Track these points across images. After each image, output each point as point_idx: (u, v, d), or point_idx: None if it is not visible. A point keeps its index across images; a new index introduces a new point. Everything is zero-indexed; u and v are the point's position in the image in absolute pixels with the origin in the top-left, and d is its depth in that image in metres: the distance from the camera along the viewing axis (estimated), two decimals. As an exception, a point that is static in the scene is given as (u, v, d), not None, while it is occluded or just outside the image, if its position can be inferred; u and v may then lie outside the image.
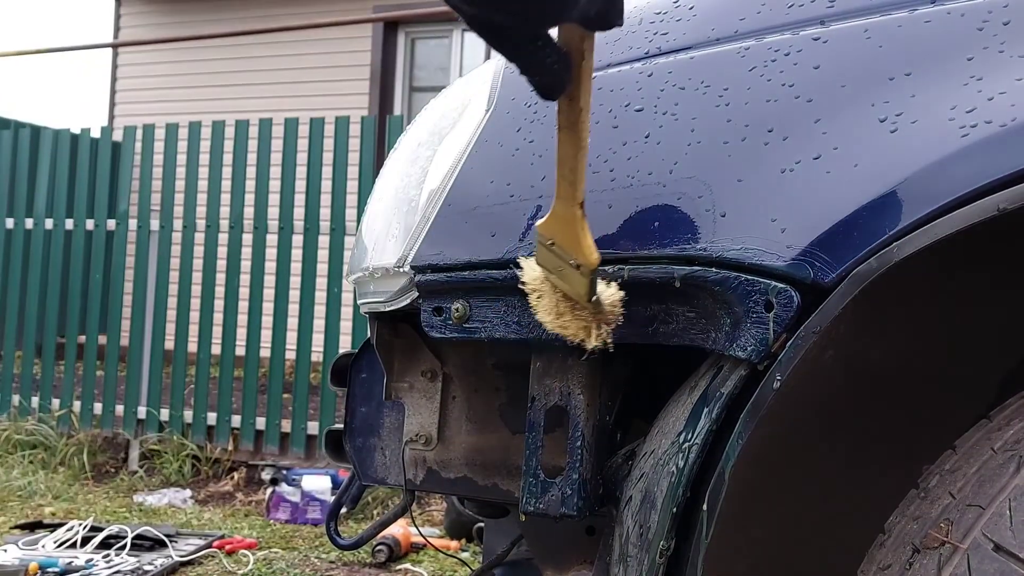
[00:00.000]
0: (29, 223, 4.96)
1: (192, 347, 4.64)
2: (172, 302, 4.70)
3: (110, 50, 8.32)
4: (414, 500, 1.24)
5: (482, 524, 1.42)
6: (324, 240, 4.45)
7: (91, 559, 3.01)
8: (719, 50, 0.83)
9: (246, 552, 3.24)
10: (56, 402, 4.81)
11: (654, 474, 0.79)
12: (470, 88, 1.03)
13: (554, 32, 0.64)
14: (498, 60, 1.02)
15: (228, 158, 4.62)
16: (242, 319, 4.54)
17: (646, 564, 0.77)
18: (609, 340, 0.80)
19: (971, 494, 0.67)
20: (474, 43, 7.41)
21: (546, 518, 0.90)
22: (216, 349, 4.62)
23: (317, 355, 4.52)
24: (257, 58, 7.56)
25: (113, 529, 3.25)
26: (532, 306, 0.82)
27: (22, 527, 3.45)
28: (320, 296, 4.41)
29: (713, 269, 0.74)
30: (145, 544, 3.20)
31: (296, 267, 4.49)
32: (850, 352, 0.69)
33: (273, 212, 4.52)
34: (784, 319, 0.68)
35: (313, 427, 4.35)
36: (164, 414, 4.60)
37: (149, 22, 8.23)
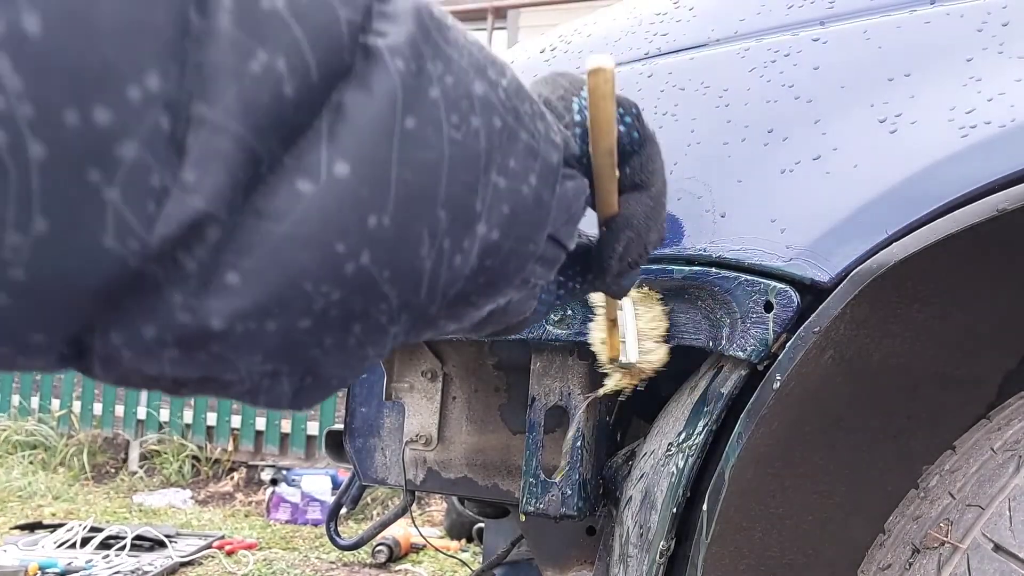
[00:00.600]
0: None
1: (192, 347, 4.64)
2: (172, 302, 4.70)
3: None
4: (414, 500, 1.24)
5: (482, 524, 1.42)
6: (324, 240, 4.45)
7: (91, 560, 3.01)
8: (719, 51, 0.83)
9: (246, 552, 3.24)
10: (56, 402, 4.81)
11: (654, 474, 0.79)
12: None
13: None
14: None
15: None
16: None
17: (646, 564, 0.77)
18: (628, 387, 0.82)
19: (971, 494, 0.67)
20: (474, 43, 7.41)
21: (546, 518, 0.90)
22: (216, 349, 4.62)
23: (317, 355, 4.52)
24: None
25: (113, 530, 3.25)
26: (593, 319, 0.84)
27: (22, 527, 3.45)
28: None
29: (713, 269, 0.74)
30: (145, 545, 3.20)
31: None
32: (850, 352, 0.69)
33: (273, 212, 4.52)
34: (784, 319, 0.68)
35: (313, 427, 4.35)
36: (164, 414, 4.61)
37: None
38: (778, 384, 0.67)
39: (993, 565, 0.62)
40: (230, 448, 4.46)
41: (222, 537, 3.40)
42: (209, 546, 3.28)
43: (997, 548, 0.62)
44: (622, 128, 0.48)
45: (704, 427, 0.73)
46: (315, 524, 3.76)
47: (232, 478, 4.36)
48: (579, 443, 0.89)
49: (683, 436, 0.76)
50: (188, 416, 4.55)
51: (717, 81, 0.81)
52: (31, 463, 4.47)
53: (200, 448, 4.49)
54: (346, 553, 3.25)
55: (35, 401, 4.82)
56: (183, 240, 0.28)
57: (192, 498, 4.18)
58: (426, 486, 1.14)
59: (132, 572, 2.93)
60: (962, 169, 0.65)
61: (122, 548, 3.14)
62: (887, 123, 0.70)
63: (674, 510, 0.74)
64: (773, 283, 0.70)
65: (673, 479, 0.75)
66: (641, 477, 0.83)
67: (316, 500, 3.82)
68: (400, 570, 3.16)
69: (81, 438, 4.61)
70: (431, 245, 0.35)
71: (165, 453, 4.47)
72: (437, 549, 3.26)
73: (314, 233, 0.30)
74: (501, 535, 1.38)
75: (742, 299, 0.72)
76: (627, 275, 0.51)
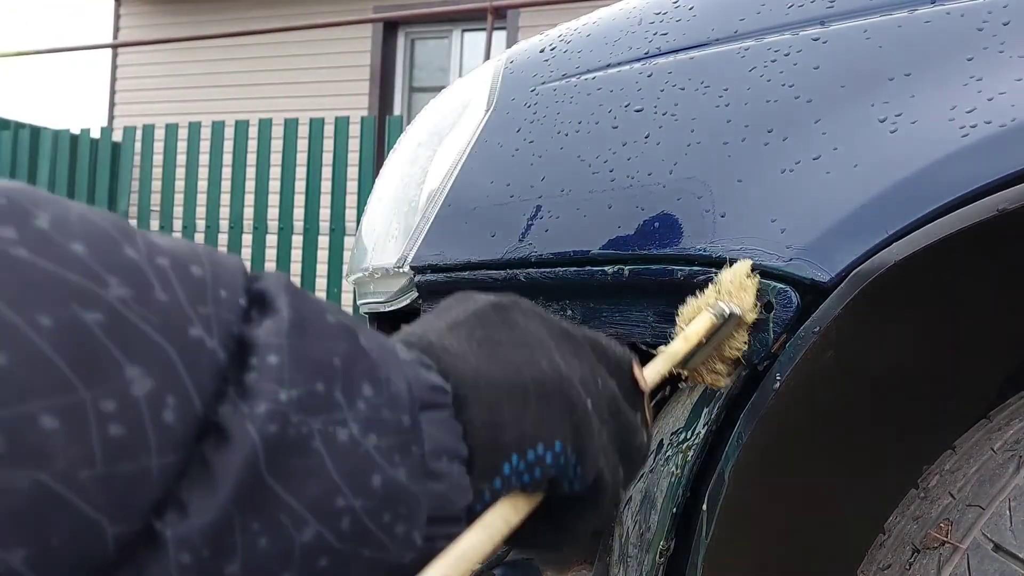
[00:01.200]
0: (29, 223, 4.96)
1: (192, 347, 4.64)
2: (172, 302, 4.70)
3: (109, 50, 8.32)
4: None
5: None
6: (324, 240, 4.45)
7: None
8: (719, 50, 0.83)
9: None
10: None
11: (654, 474, 0.79)
12: (470, 88, 1.03)
13: None
14: (498, 60, 1.02)
15: (228, 158, 4.63)
16: (242, 319, 4.54)
17: (646, 564, 0.77)
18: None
19: (971, 494, 0.67)
20: (474, 43, 7.42)
21: (546, 518, 0.90)
22: (216, 349, 4.62)
23: (317, 355, 4.52)
24: (257, 58, 7.56)
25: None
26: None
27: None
28: (320, 296, 4.41)
29: (713, 269, 0.74)
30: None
31: (296, 267, 4.49)
32: (850, 352, 0.69)
33: (273, 212, 4.52)
34: (784, 319, 0.68)
35: (313, 427, 4.35)
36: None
37: (149, 22, 8.23)
38: (778, 384, 0.66)
39: (993, 565, 0.62)
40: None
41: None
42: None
43: (997, 548, 0.62)
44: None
45: (704, 427, 0.73)
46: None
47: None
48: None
49: (683, 436, 0.76)
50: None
51: (717, 81, 0.81)
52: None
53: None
54: (346, 553, 3.25)
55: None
56: None
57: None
58: (426, 486, 1.14)
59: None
60: (962, 169, 0.65)
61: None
62: (887, 122, 0.70)
63: (674, 510, 0.74)
64: (773, 283, 0.70)
65: (673, 479, 0.75)
66: (641, 477, 0.83)
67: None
68: (400, 570, 3.16)
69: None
70: None
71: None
72: (437, 549, 3.26)
73: None
74: (501, 535, 1.37)
75: (742, 299, 0.72)
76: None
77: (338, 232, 4.37)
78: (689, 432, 0.76)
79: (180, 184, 4.68)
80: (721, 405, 0.73)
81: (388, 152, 1.14)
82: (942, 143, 0.67)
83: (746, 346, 0.69)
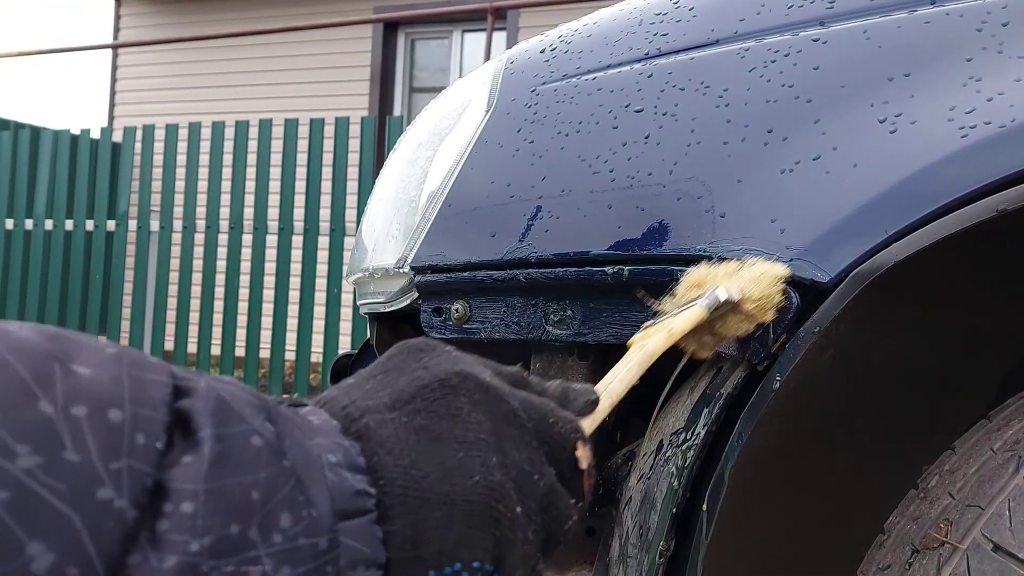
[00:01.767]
0: (29, 224, 4.96)
1: (192, 348, 4.64)
2: (172, 303, 4.70)
3: (110, 51, 8.32)
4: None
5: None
6: (324, 241, 4.45)
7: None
8: (719, 51, 0.83)
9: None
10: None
11: (654, 474, 0.79)
12: (470, 89, 1.04)
13: None
14: (498, 60, 1.02)
15: (228, 159, 4.63)
16: (242, 320, 4.54)
17: (646, 564, 0.77)
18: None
19: (970, 494, 0.67)
20: (474, 44, 7.42)
21: (546, 518, 0.90)
22: (216, 350, 4.62)
23: (317, 356, 4.52)
24: (257, 59, 7.56)
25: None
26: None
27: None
28: (320, 297, 4.41)
29: (713, 270, 0.74)
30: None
31: (296, 268, 4.49)
32: (850, 352, 0.69)
33: (273, 213, 4.52)
34: (784, 319, 0.68)
35: (313, 428, 4.35)
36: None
37: (149, 23, 8.24)
38: (778, 384, 0.66)
39: (993, 565, 0.62)
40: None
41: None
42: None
43: (997, 548, 0.62)
44: None
45: (704, 427, 0.73)
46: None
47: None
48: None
49: (683, 436, 0.76)
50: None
51: (717, 81, 0.81)
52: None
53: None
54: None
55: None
56: None
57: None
58: (426, 486, 1.14)
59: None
60: (962, 169, 0.65)
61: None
62: (887, 123, 0.70)
63: (674, 510, 0.74)
64: (773, 283, 0.70)
65: (673, 479, 0.75)
66: (641, 477, 0.83)
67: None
68: (400, 570, 3.16)
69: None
70: None
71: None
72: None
73: None
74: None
75: (742, 299, 0.72)
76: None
77: (338, 232, 4.37)
78: (689, 432, 0.76)
79: (180, 184, 4.68)
80: (721, 405, 0.73)
81: (388, 152, 1.14)
82: (942, 143, 0.67)
83: (746, 333, 0.67)
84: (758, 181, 0.74)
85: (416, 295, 0.95)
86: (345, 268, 4.02)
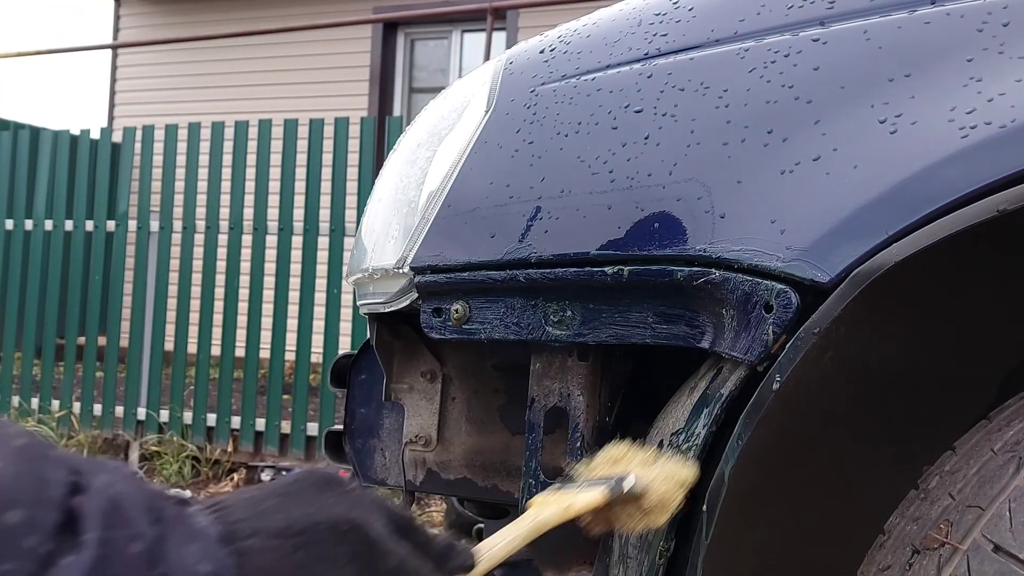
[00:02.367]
0: (29, 224, 4.96)
1: (192, 348, 4.64)
2: (172, 303, 4.70)
3: (109, 51, 8.32)
4: (414, 501, 1.24)
5: (482, 525, 1.42)
6: (323, 241, 4.45)
7: (91, 560, 3.01)
8: (719, 51, 0.83)
9: (246, 553, 3.23)
10: (56, 403, 4.81)
11: (654, 475, 0.79)
12: (469, 89, 1.03)
13: None
14: (498, 61, 1.02)
15: (228, 159, 4.62)
16: (242, 320, 4.54)
17: (646, 565, 0.77)
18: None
19: (971, 495, 0.67)
20: (474, 44, 7.42)
21: (546, 519, 0.90)
22: (216, 350, 4.62)
23: (317, 356, 4.52)
24: (256, 59, 7.56)
25: (113, 530, 3.25)
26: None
27: (22, 528, 3.44)
28: (320, 297, 4.41)
29: (713, 270, 0.74)
30: (145, 545, 3.19)
31: (296, 268, 4.48)
32: (850, 353, 0.69)
33: (273, 213, 4.52)
34: (784, 320, 0.68)
35: (313, 428, 4.35)
36: (164, 415, 4.60)
37: (149, 23, 8.23)
38: (778, 385, 0.66)
39: (993, 566, 0.62)
40: (230, 449, 4.46)
41: (222, 538, 3.40)
42: (209, 547, 3.27)
43: (997, 549, 0.62)
44: None
45: (704, 428, 0.73)
46: (315, 525, 3.75)
47: (232, 479, 4.36)
48: (579, 444, 0.89)
49: (683, 437, 0.76)
50: (188, 417, 4.55)
51: (717, 82, 0.81)
52: (31, 464, 4.47)
53: (200, 449, 4.48)
54: (346, 554, 3.25)
55: (35, 402, 4.82)
56: None
57: (192, 499, 4.18)
58: (426, 487, 1.14)
59: (132, 573, 2.92)
60: (962, 169, 0.65)
61: (122, 549, 3.14)
62: (887, 123, 0.70)
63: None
64: (773, 284, 0.70)
65: (673, 480, 0.75)
66: (641, 478, 0.83)
67: (316, 501, 3.81)
68: (400, 571, 3.16)
69: (81, 439, 4.61)
70: None
71: (165, 454, 4.46)
72: (437, 550, 3.25)
73: None
74: (501, 536, 1.37)
75: (742, 300, 0.72)
76: None
77: (338, 233, 4.37)
78: (689, 433, 0.76)
79: (180, 185, 4.68)
80: (721, 406, 0.73)
81: (388, 153, 1.14)
82: (942, 144, 0.67)
83: (633, 528, 0.68)
84: (758, 182, 0.74)
85: (416, 295, 0.95)
86: (345, 268, 4.02)
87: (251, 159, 4.58)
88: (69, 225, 4.89)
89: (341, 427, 1.22)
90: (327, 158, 4.44)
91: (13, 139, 5.05)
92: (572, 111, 0.89)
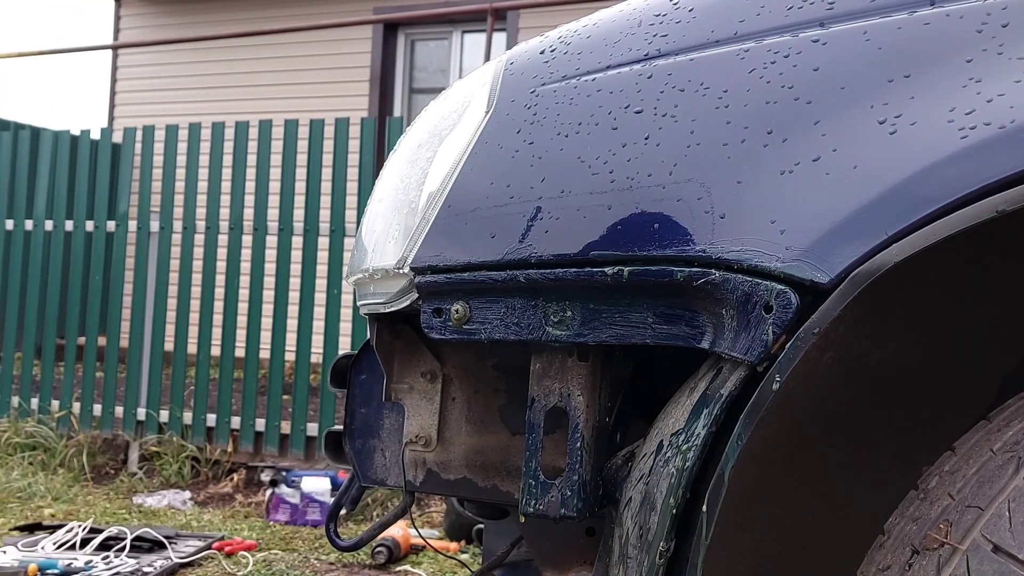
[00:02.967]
0: (29, 224, 4.96)
1: (192, 348, 4.64)
2: (172, 303, 4.70)
3: (110, 51, 8.32)
4: (414, 501, 1.24)
5: (482, 525, 1.42)
6: (324, 242, 4.45)
7: (90, 561, 3.01)
8: (718, 52, 0.83)
9: (245, 554, 3.24)
10: (56, 403, 4.81)
11: (653, 475, 0.79)
12: (469, 89, 1.04)
13: None
14: (498, 61, 1.02)
15: (228, 159, 4.63)
16: (242, 320, 4.54)
17: (646, 565, 0.77)
18: None
19: (970, 495, 0.67)
20: (474, 44, 7.42)
21: (546, 519, 0.90)
22: (216, 350, 4.62)
23: (317, 356, 4.52)
24: (257, 59, 7.56)
25: (112, 531, 3.25)
26: None
27: (22, 529, 3.45)
28: (320, 297, 4.41)
29: (713, 270, 0.74)
30: (144, 546, 3.19)
31: (296, 268, 4.49)
32: (849, 353, 0.69)
33: (273, 214, 4.52)
34: (783, 320, 0.68)
35: (313, 428, 4.35)
36: (164, 415, 4.60)
37: (149, 23, 8.23)
38: (777, 385, 0.66)
39: (993, 566, 0.62)
40: (229, 449, 4.46)
41: (222, 538, 3.40)
42: (209, 547, 3.28)
43: (997, 549, 0.62)
44: None
45: (704, 428, 0.73)
46: (315, 525, 3.75)
47: (232, 479, 4.36)
48: (579, 444, 0.89)
49: (683, 437, 0.76)
50: (188, 417, 4.55)
51: (717, 82, 0.81)
52: (31, 464, 4.47)
53: (200, 449, 4.48)
54: (346, 554, 3.25)
55: (35, 402, 4.82)
56: None
57: (192, 499, 4.18)
58: (426, 487, 1.14)
59: (132, 573, 2.92)
60: (962, 170, 0.65)
61: (122, 549, 3.14)
62: (887, 124, 0.70)
63: (674, 511, 0.74)
64: (773, 284, 0.70)
65: (673, 480, 0.75)
66: (641, 478, 0.83)
67: (316, 501, 3.82)
68: (400, 571, 3.16)
69: (81, 439, 4.61)
70: None
71: (165, 454, 4.46)
72: (436, 550, 3.25)
73: None
74: (501, 536, 1.38)
75: (742, 300, 0.72)
76: None
77: (338, 233, 4.37)
78: (689, 433, 0.76)
79: (180, 185, 4.68)
80: (721, 406, 0.73)
81: (388, 153, 1.14)
82: (941, 145, 0.67)
83: None
84: (758, 182, 0.74)
85: (416, 296, 0.95)
86: (345, 269, 4.02)
87: (251, 159, 4.58)
88: (69, 225, 4.89)
89: (341, 427, 1.22)
90: (327, 158, 4.45)
91: (13, 139, 5.05)
92: (572, 111, 0.89)
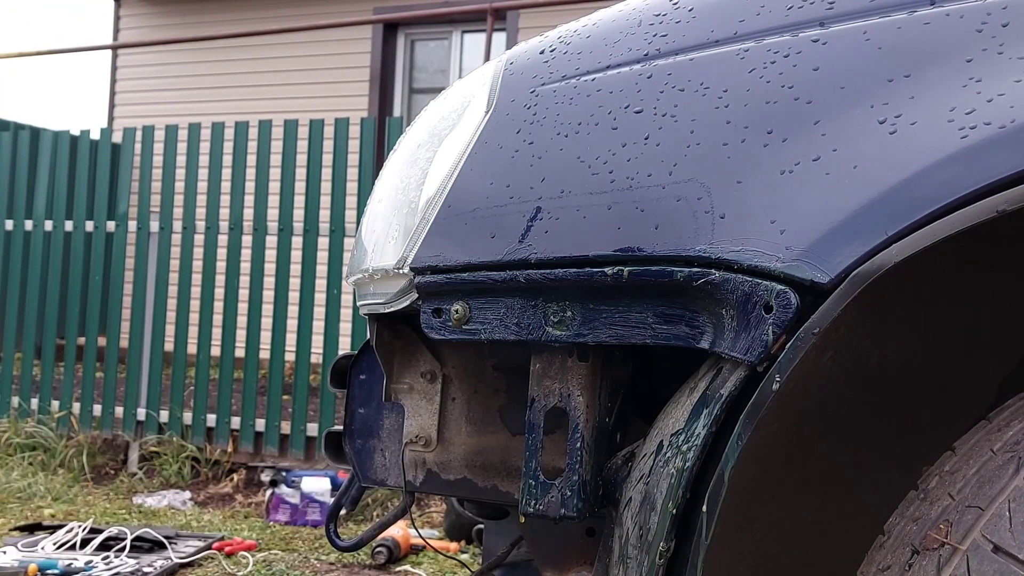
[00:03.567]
0: (29, 225, 4.96)
1: (192, 348, 4.64)
2: (172, 303, 4.70)
3: (110, 52, 8.32)
4: (414, 502, 1.24)
5: (482, 525, 1.42)
6: (323, 242, 4.45)
7: (90, 561, 3.01)
8: (718, 52, 0.83)
9: (245, 554, 3.24)
10: (56, 404, 4.80)
11: (653, 475, 0.79)
12: (469, 89, 1.04)
13: None
14: (498, 61, 1.02)
15: (228, 159, 4.63)
16: (241, 320, 4.54)
17: (646, 565, 0.77)
18: None
19: (970, 495, 0.67)
20: (474, 44, 7.42)
21: (546, 519, 0.90)
22: (216, 351, 4.62)
23: (316, 356, 4.52)
24: (256, 59, 7.56)
25: (112, 531, 3.25)
26: None
27: (22, 529, 3.45)
28: (320, 298, 4.41)
29: (712, 270, 0.74)
30: (144, 546, 3.19)
31: (296, 269, 4.49)
32: (849, 353, 0.69)
33: (273, 214, 4.52)
34: (783, 320, 0.68)
35: (312, 428, 4.35)
36: (164, 416, 4.60)
37: (149, 23, 8.23)
38: (777, 385, 0.66)
39: (993, 566, 0.62)
40: (229, 449, 4.46)
41: (222, 538, 3.40)
42: (208, 547, 3.28)
43: (997, 549, 0.62)
44: None
45: (704, 428, 0.73)
46: (314, 525, 3.75)
47: (232, 479, 4.36)
48: (579, 444, 0.89)
49: (683, 437, 0.76)
50: (188, 418, 4.55)
51: (716, 82, 0.81)
52: (31, 464, 4.47)
53: (200, 449, 4.48)
54: (346, 554, 3.25)
55: (34, 403, 4.82)
56: None
57: (192, 499, 4.18)
58: (425, 487, 1.14)
59: (132, 573, 2.92)
60: (962, 170, 0.65)
61: (122, 549, 3.14)
62: (887, 124, 0.70)
63: (674, 511, 0.74)
64: (773, 284, 0.70)
65: (673, 480, 0.75)
66: (641, 478, 0.83)
67: (316, 501, 3.82)
68: (399, 571, 3.16)
69: (81, 439, 4.61)
70: None
71: (165, 454, 4.46)
72: (436, 550, 3.25)
73: None
74: (500, 536, 1.38)
75: (742, 300, 0.72)
76: None
77: (338, 233, 4.37)
78: (689, 433, 0.76)
79: (180, 185, 4.68)
80: (721, 406, 0.73)
81: (388, 153, 1.14)
82: (941, 144, 0.67)
83: None
84: (758, 182, 0.74)
85: (416, 296, 0.95)
86: (345, 269, 4.02)
87: (251, 159, 4.58)
88: (69, 225, 4.89)
89: (341, 427, 1.22)
90: (327, 158, 4.45)
91: (13, 139, 5.05)
92: (572, 111, 0.89)
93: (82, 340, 4.93)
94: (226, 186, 4.62)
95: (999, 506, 0.64)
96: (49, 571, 2.89)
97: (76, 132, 5.11)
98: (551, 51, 0.97)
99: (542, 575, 1.10)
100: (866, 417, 0.74)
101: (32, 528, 3.45)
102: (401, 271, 0.96)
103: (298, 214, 4.46)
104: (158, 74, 7.96)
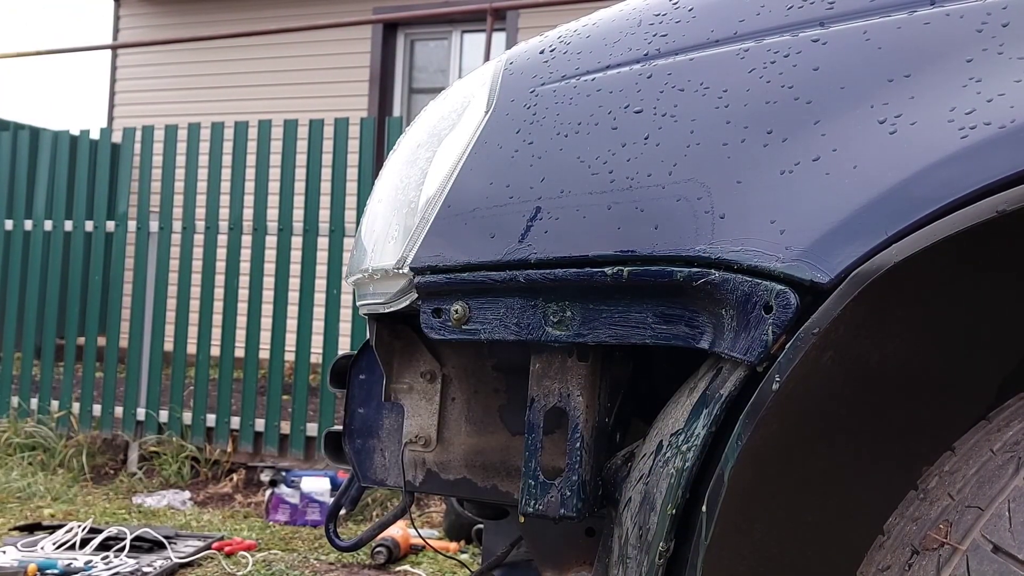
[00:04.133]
0: (28, 225, 4.96)
1: (191, 348, 4.64)
2: (171, 303, 4.70)
3: (109, 52, 8.32)
4: (413, 502, 1.24)
5: (481, 525, 1.42)
6: (323, 242, 4.45)
7: (90, 561, 3.01)
8: (718, 52, 0.83)
9: (245, 554, 3.24)
10: (55, 404, 4.80)
11: (653, 475, 0.79)
12: (469, 89, 1.03)
13: None
14: (497, 61, 1.02)
15: (227, 159, 4.63)
16: (241, 320, 4.54)
17: (645, 565, 0.77)
18: None
19: (970, 495, 0.67)
20: (473, 44, 7.42)
21: (545, 519, 0.90)
22: (215, 351, 4.61)
23: (316, 356, 4.52)
24: (256, 59, 7.56)
25: (112, 531, 3.25)
26: None
27: (21, 529, 3.44)
28: (319, 298, 4.41)
29: (712, 270, 0.74)
30: (144, 546, 3.19)
31: (295, 268, 4.49)
32: (849, 353, 0.69)
33: (272, 214, 4.52)
34: (783, 321, 0.68)
35: (312, 428, 4.35)
36: (163, 416, 4.60)
37: (148, 23, 8.23)
38: (777, 385, 0.66)
39: (992, 567, 0.62)
40: (229, 449, 4.46)
41: (221, 538, 3.40)
42: (208, 547, 3.27)
43: (996, 549, 0.62)
44: None
45: (703, 428, 0.73)
46: (314, 525, 3.75)
47: (231, 479, 4.36)
48: (578, 444, 0.89)
49: (682, 437, 0.76)
50: (187, 417, 4.54)
51: (716, 82, 0.81)
52: (30, 464, 4.47)
53: (199, 449, 4.48)
54: (345, 554, 3.25)
55: (34, 402, 4.81)
56: None
57: (191, 499, 4.18)
58: (425, 487, 1.14)
59: (131, 573, 2.92)
60: (962, 170, 0.65)
61: (121, 549, 3.14)
62: (887, 124, 0.70)
63: (673, 511, 0.74)
64: (773, 284, 0.70)
65: (672, 480, 0.75)
66: (640, 478, 0.83)
67: (315, 501, 3.82)
68: (399, 571, 3.16)
69: (80, 439, 4.61)
70: None
71: (164, 454, 4.46)
72: (436, 550, 3.26)
73: None
74: (500, 536, 1.38)
75: (742, 300, 0.72)
76: None
77: (337, 233, 4.37)
78: (688, 433, 0.76)
79: (180, 185, 4.68)
80: (720, 406, 0.73)
81: (388, 153, 1.14)
82: (941, 144, 0.67)
83: None
84: (758, 182, 0.74)
85: (415, 296, 0.95)
86: (344, 269, 4.02)
87: (251, 159, 4.58)
88: (69, 225, 4.89)
89: (340, 427, 1.22)
90: (327, 158, 4.45)
91: (13, 139, 5.05)
92: (572, 111, 0.89)
93: (82, 340, 4.93)
94: (226, 186, 4.62)
95: (999, 506, 0.64)
96: (48, 571, 2.89)
97: (76, 132, 5.11)
98: (551, 51, 0.97)
99: (542, 575, 1.10)
100: (866, 417, 0.74)
101: (32, 528, 3.45)
102: (401, 271, 0.96)
103: (298, 214, 4.46)
104: (158, 74, 7.95)
